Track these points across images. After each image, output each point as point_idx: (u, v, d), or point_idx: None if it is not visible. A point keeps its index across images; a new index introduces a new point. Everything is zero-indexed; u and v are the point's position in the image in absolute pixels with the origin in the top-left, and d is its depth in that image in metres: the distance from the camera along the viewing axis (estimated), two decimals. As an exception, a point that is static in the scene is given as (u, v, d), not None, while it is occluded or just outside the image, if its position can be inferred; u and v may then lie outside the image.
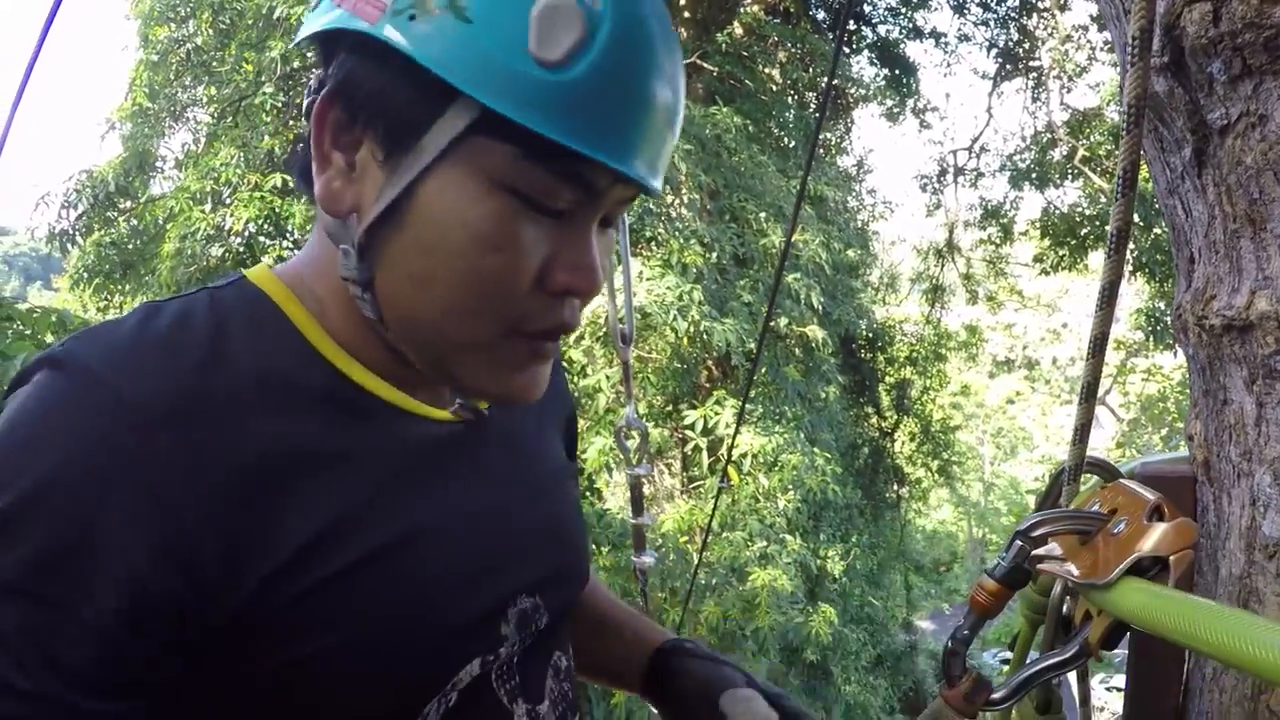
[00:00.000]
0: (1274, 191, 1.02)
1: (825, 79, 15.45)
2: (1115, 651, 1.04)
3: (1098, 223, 16.92)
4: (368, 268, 0.97)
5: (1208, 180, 1.13)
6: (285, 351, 0.99)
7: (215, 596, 0.86)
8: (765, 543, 10.68)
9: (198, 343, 0.93)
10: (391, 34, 0.89)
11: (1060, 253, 18.43)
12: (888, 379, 18.92)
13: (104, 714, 0.82)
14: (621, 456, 9.56)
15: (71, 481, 0.82)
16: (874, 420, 18.42)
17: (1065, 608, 1.21)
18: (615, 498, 12.25)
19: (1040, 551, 1.04)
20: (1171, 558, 0.93)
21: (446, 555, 1.02)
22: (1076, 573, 0.99)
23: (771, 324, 10.50)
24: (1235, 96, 1.04)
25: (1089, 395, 1.24)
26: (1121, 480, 1.06)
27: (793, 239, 10.63)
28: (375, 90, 0.93)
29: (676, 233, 9.91)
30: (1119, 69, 1.35)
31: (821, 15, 17.14)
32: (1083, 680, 1.53)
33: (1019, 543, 1.03)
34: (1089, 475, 1.39)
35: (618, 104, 0.91)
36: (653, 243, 9.63)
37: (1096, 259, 18.74)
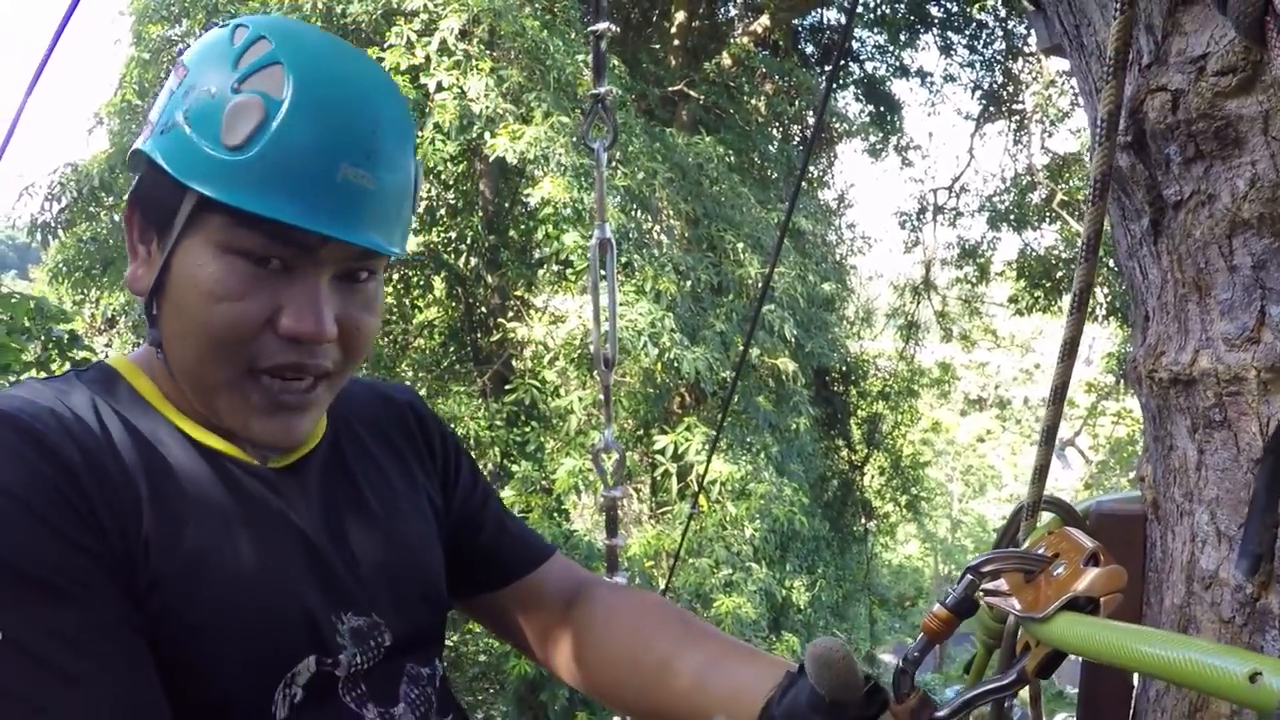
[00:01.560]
0: (1218, 263, 1.13)
1: (811, 113, 15.58)
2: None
3: (1073, 266, 17.01)
4: (157, 332, 1.25)
5: (1162, 248, 1.25)
6: (130, 406, 1.24)
7: (120, 556, 1.10)
8: (730, 570, 10.70)
9: (77, 402, 1.20)
10: (151, 147, 1.21)
11: (1035, 294, 18.56)
12: (859, 413, 18.96)
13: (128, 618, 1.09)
14: (590, 480, 9.62)
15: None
16: (844, 453, 18.46)
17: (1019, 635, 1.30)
18: (583, 519, 12.27)
19: (988, 586, 1.13)
20: (1102, 599, 1.02)
21: (261, 564, 1.22)
22: (1019, 607, 1.09)
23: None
24: (1188, 176, 1.15)
25: (1048, 439, 1.39)
26: (1065, 528, 1.14)
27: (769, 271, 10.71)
28: (150, 193, 1.23)
29: (652, 259, 9.96)
30: (1089, 144, 1.46)
31: (810, 49, 17.29)
32: (1035, 705, 1.62)
33: (969, 577, 1.12)
34: (1047, 512, 1.51)
35: (294, 173, 1.15)
36: (628, 268, 9.68)
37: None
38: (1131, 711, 1.55)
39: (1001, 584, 1.14)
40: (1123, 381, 17.34)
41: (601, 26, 2.61)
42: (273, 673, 1.20)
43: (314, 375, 1.25)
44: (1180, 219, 1.19)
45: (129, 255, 1.28)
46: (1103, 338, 19.74)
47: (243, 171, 1.14)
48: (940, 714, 1.14)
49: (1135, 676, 1.51)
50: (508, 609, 1.62)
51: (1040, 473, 1.44)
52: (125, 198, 1.29)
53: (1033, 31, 1.64)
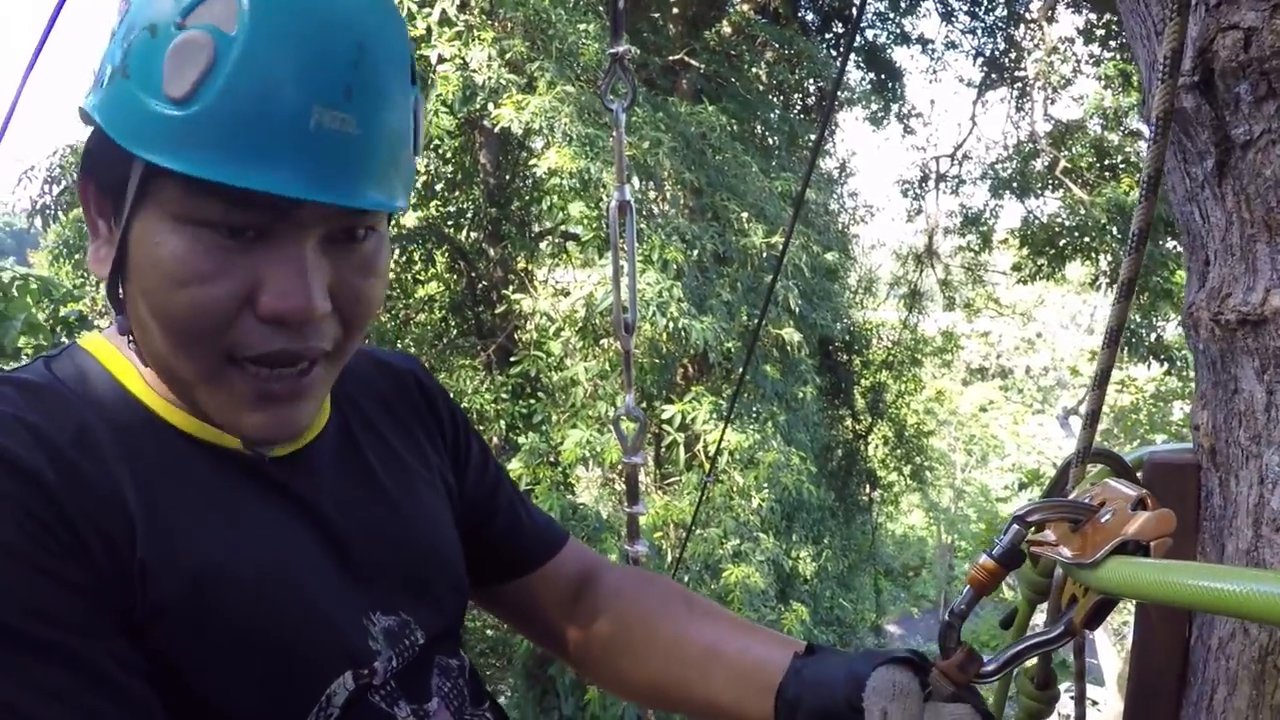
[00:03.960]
0: None
1: (813, 81, 15.51)
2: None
3: (1076, 234, 17.03)
4: (125, 319, 1.07)
5: (1227, 189, 1.24)
6: (111, 401, 1.07)
7: (112, 586, 0.95)
8: (739, 540, 10.72)
9: (49, 403, 1.02)
10: (92, 104, 1.02)
11: (1038, 262, 18.51)
12: (863, 382, 18.99)
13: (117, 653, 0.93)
14: (597, 451, 9.60)
15: None
16: (848, 423, 18.50)
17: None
18: (589, 491, 12.27)
19: (1035, 535, 1.12)
20: (1153, 543, 1.01)
21: (277, 574, 1.07)
22: (1068, 554, 1.07)
23: (751, 323, 10.54)
24: (1259, 115, 1.14)
25: (1101, 383, 1.35)
26: (1108, 480, 1.13)
27: (773, 240, 10.67)
28: (99, 159, 1.04)
29: (658, 228, 9.94)
30: (1143, 85, 1.45)
31: (810, 16, 17.19)
32: (1079, 657, 1.60)
33: (1016, 526, 1.10)
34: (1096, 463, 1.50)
35: (254, 124, 0.94)
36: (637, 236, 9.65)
37: (1074, 270, 18.87)
38: (1186, 664, 1.52)
39: (1048, 534, 1.13)
40: (1126, 350, 17.33)
41: (620, -16, 2.56)
42: (304, 699, 1.07)
43: (309, 360, 1.07)
44: (1250, 158, 1.18)
45: (89, 232, 1.09)
46: (1105, 306, 19.70)
47: (191, 128, 0.94)
48: (988, 668, 1.12)
49: (1190, 627, 1.49)
50: (521, 600, 1.52)
51: (1092, 417, 1.40)
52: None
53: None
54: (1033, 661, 1.60)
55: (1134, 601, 1.23)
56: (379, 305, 1.14)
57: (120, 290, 1.06)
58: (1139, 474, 1.58)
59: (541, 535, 1.53)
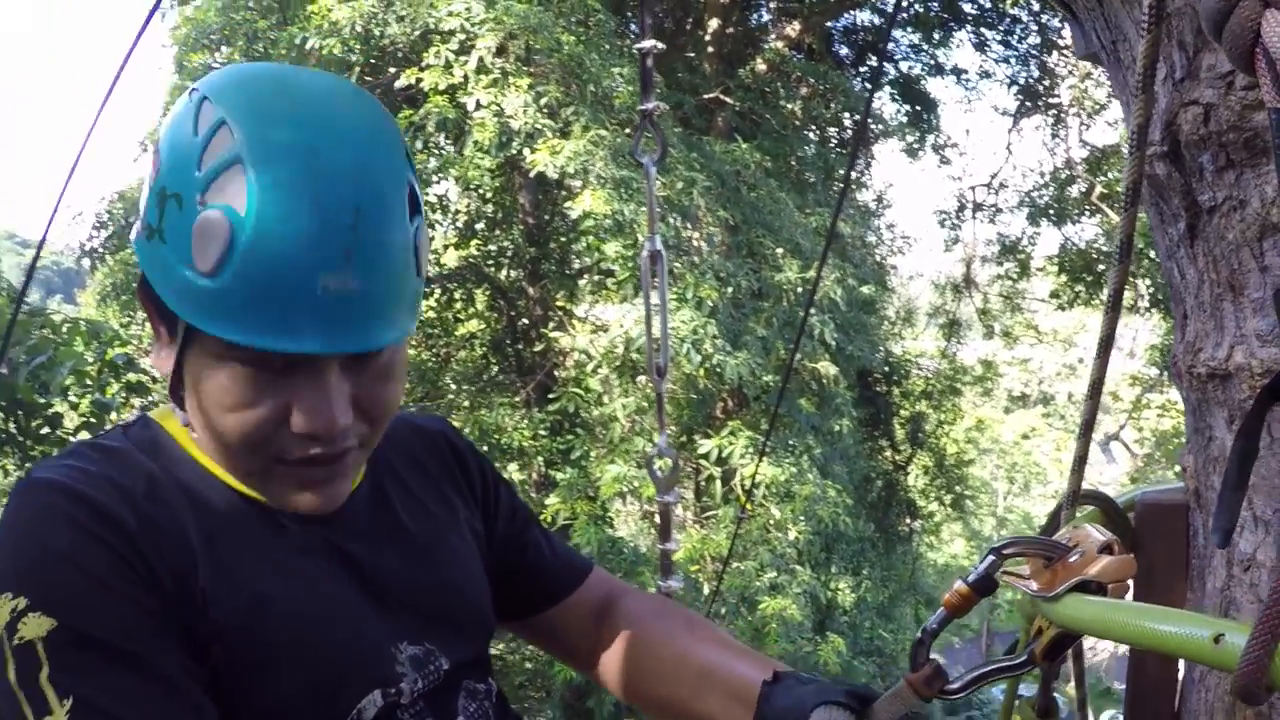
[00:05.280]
0: (1250, 264, 1.21)
1: (848, 115, 15.54)
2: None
3: (1114, 258, 16.90)
4: (186, 415, 1.25)
5: (1198, 250, 1.32)
6: (177, 461, 1.26)
7: (179, 609, 1.14)
8: (776, 573, 10.73)
9: (127, 462, 1.22)
10: (139, 251, 1.21)
11: (1077, 288, 18.42)
12: (902, 413, 18.84)
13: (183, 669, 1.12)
14: (634, 486, 9.62)
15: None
16: (888, 453, 18.37)
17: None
18: (627, 526, 12.29)
19: (1012, 568, 1.23)
20: (1110, 585, 1.12)
21: (318, 604, 1.26)
22: (1035, 587, 1.18)
23: (785, 358, 10.58)
24: (1221, 184, 1.22)
25: (1086, 431, 1.49)
26: (1085, 525, 1.23)
27: (808, 275, 10.70)
28: (149, 291, 1.20)
29: (693, 267, 10.02)
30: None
31: (844, 51, 17.25)
32: (1080, 687, 1.70)
33: (991, 556, 1.21)
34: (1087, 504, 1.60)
35: (271, 296, 1.10)
36: (670, 276, 9.73)
37: (1114, 295, 18.67)
38: (1179, 695, 1.60)
39: (1025, 568, 1.23)
40: (1166, 374, 17.21)
41: (647, 44, 2.68)
42: (338, 713, 1.23)
43: (339, 456, 1.24)
44: (1214, 223, 1.26)
45: (152, 329, 1.27)
46: (1145, 330, 19.57)
47: (219, 299, 1.10)
48: (952, 685, 1.25)
49: (1181, 662, 1.58)
50: (553, 627, 1.68)
51: (1078, 464, 1.53)
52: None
53: (1070, 36, 1.71)
54: (1033, 691, 1.70)
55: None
56: (399, 402, 1.32)
57: (180, 388, 1.24)
58: (1131, 514, 1.67)
59: (566, 570, 1.69)
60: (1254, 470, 1.23)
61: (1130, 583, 1.17)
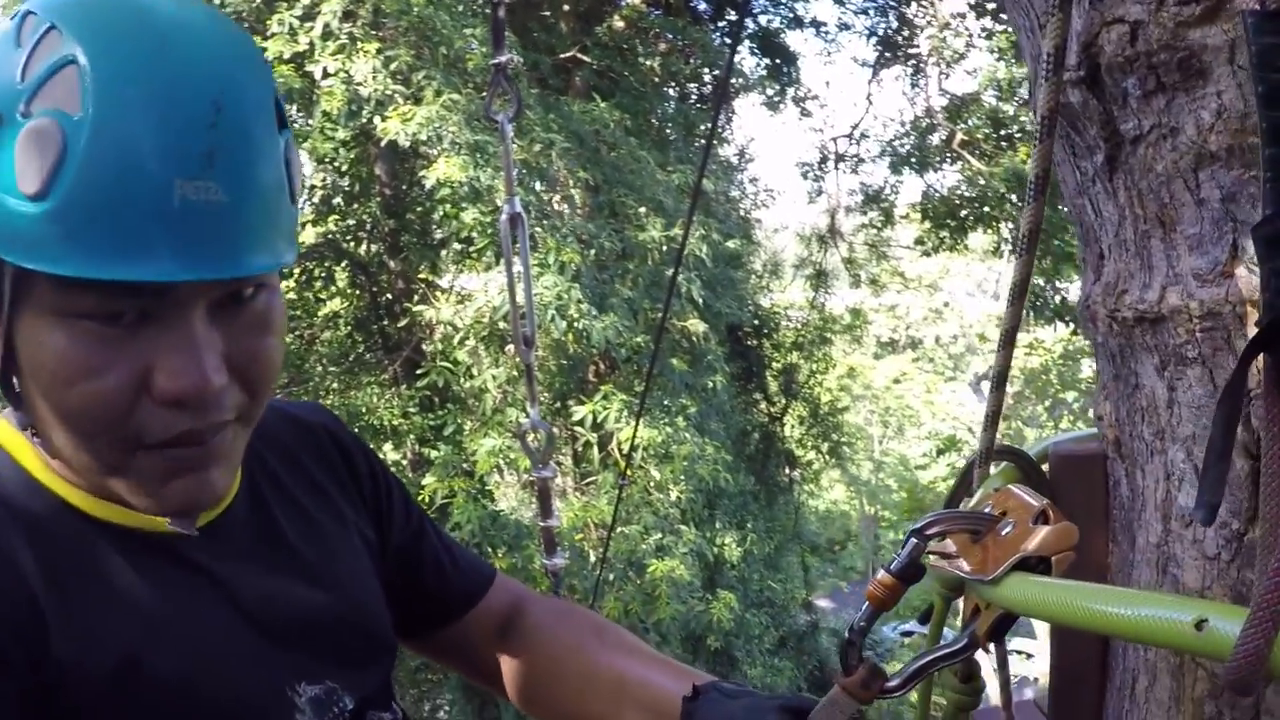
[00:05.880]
0: (1183, 197, 1.11)
1: (708, 71, 15.54)
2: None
3: (977, 204, 17.32)
4: (26, 413, 1.03)
5: (1119, 184, 1.23)
6: (16, 489, 1.02)
7: (22, 669, 0.92)
8: (661, 535, 10.75)
9: None
10: None
11: (940, 234, 18.78)
12: (774, 365, 19.08)
13: None
14: (512, 458, 9.54)
15: None
16: (763, 406, 18.58)
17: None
18: (507, 499, 12.18)
19: (935, 548, 1.13)
20: (1054, 558, 1.02)
21: (200, 659, 1.04)
22: (968, 568, 1.10)
23: (655, 318, 10.54)
24: (1149, 110, 1.12)
25: (999, 384, 1.39)
26: (1010, 486, 1.16)
27: (672, 234, 10.66)
28: None
29: (554, 230, 9.88)
30: (1029, 80, 1.45)
31: (703, 6, 17.22)
32: (1003, 669, 1.60)
33: (914, 540, 1.10)
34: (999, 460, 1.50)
35: (114, 211, 0.88)
36: (530, 241, 9.59)
37: (976, 239, 19.20)
38: (1107, 649, 1.51)
39: (949, 545, 1.14)
40: (1031, 313, 17.70)
41: (499, -8, 2.50)
42: None
43: (215, 433, 1.03)
44: (1140, 153, 1.16)
45: None
46: (1008, 270, 20.00)
47: (50, 224, 0.88)
48: (892, 683, 1.12)
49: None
50: (455, 643, 1.55)
51: (992, 418, 1.41)
52: None
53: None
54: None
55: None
56: (281, 362, 1.11)
57: (15, 384, 1.01)
58: (1045, 466, 1.57)
59: (468, 579, 1.54)
60: (1195, 420, 1.14)
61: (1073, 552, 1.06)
